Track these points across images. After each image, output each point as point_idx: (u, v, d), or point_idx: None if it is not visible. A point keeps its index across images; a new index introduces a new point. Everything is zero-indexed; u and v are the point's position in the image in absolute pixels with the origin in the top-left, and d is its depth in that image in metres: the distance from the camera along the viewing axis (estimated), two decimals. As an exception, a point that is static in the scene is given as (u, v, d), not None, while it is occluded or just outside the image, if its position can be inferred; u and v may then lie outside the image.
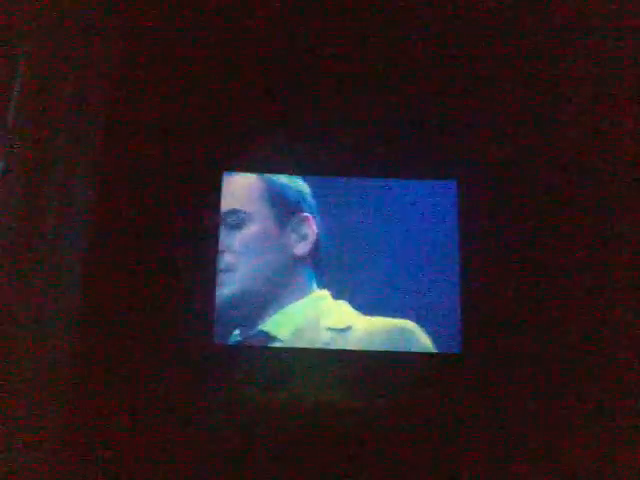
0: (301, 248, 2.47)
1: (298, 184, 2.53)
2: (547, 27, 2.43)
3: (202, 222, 2.45)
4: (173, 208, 2.43)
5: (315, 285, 2.46)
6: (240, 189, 2.51)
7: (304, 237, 2.48)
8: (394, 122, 2.54)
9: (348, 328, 2.41)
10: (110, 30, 2.36)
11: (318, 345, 2.40)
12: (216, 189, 2.49)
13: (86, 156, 2.28)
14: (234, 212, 2.48)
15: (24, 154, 2.02)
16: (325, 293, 2.46)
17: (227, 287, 2.42)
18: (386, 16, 2.45)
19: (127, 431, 2.19)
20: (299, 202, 2.51)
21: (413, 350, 2.40)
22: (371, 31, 2.49)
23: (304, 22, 2.46)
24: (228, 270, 2.43)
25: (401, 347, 2.40)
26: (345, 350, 2.39)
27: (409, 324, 2.42)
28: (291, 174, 2.51)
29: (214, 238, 2.44)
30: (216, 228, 2.45)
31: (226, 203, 2.49)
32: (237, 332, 2.42)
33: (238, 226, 2.46)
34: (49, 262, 2.11)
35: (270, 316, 2.42)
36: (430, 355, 2.39)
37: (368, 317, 2.44)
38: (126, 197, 2.40)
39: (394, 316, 2.43)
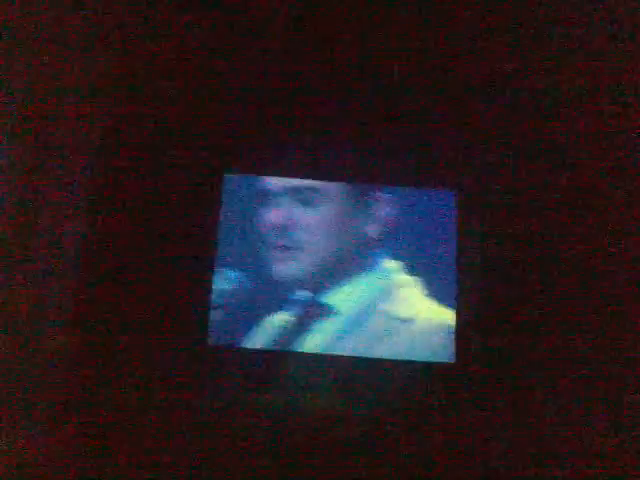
0: (375, 228, 2.41)
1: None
2: (549, 38, 2.40)
3: (202, 224, 2.42)
4: (172, 209, 2.40)
5: (385, 260, 2.41)
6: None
7: (378, 218, 2.41)
8: (395, 130, 2.47)
9: (411, 320, 2.36)
10: (109, 29, 2.34)
11: (377, 330, 2.35)
12: (216, 190, 2.44)
13: (83, 156, 2.31)
14: (309, 188, 2.40)
15: (21, 151, 2.10)
16: (396, 266, 2.41)
17: (295, 265, 2.38)
18: (388, 24, 2.41)
19: (122, 432, 2.23)
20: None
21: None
22: (373, 39, 2.44)
23: (307, 25, 2.42)
24: (297, 248, 2.38)
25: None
26: (341, 356, 2.36)
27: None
28: (291, 177, 2.42)
29: (213, 240, 2.41)
30: (215, 230, 2.42)
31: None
32: (299, 295, 2.39)
33: (312, 203, 2.39)
34: (44, 261, 2.19)
35: (335, 289, 2.39)
36: (423, 364, 2.35)
37: (434, 305, 2.38)
38: (124, 197, 2.39)
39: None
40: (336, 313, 2.38)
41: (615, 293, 2.33)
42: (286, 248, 2.38)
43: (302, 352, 2.37)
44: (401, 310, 2.37)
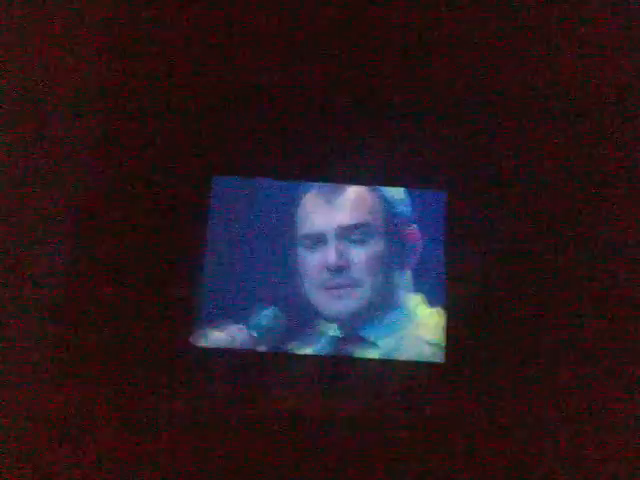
0: (412, 261, 2.48)
1: (401, 195, 2.50)
2: (544, 37, 2.51)
3: (191, 226, 2.42)
4: (161, 211, 2.40)
5: (412, 290, 2.47)
6: (360, 202, 2.45)
7: (413, 250, 2.48)
8: (385, 130, 2.52)
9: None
10: (100, 34, 2.38)
11: (421, 358, 2.40)
12: (205, 193, 2.45)
13: (75, 159, 2.34)
14: (359, 226, 2.41)
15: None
16: (420, 298, 2.47)
17: (353, 302, 2.39)
18: (378, 22, 2.49)
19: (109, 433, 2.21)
20: (409, 214, 2.49)
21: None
22: (365, 37, 2.50)
23: (297, 26, 2.46)
24: (354, 286, 2.39)
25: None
26: (330, 356, 2.41)
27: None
28: (281, 179, 2.48)
29: (202, 241, 2.42)
30: (203, 231, 2.43)
31: (346, 217, 2.43)
32: (335, 330, 2.41)
33: (363, 241, 2.41)
34: (31, 261, 2.23)
35: (373, 322, 2.42)
36: (414, 364, 2.42)
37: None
38: (114, 199, 2.39)
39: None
40: (373, 345, 2.41)
41: (611, 291, 2.41)
42: (334, 288, 2.39)
43: (292, 353, 2.38)
44: (431, 336, 2.43)
